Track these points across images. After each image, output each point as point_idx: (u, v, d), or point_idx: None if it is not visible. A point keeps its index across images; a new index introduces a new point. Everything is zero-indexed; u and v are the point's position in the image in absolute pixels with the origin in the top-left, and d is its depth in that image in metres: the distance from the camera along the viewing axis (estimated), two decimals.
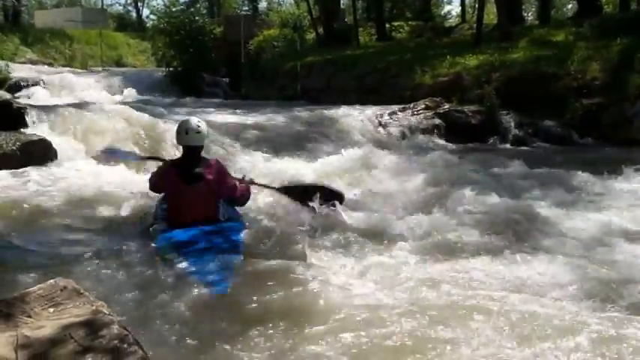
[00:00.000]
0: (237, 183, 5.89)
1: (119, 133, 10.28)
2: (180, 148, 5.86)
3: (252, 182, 6.31)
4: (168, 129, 10.25)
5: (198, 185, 5.56)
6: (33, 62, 26.66)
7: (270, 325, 3.83)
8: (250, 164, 9.58)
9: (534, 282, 4.64)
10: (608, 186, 7.93)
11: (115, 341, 2.41)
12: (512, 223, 6.12)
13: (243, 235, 5.52)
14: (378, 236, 5.77)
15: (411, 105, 13.99)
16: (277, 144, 11.09)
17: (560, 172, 8.69)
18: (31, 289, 2.60)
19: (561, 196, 7.37)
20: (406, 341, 3.63)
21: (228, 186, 5.73)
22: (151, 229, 5.69)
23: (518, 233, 5.85)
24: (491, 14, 28.66)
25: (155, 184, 5.83)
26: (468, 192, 7.13)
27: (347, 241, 5.62)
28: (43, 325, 2.42)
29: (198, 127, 5.64)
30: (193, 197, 5.54)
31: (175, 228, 5.41)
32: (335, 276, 4.71)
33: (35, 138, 9.50)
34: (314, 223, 6.03)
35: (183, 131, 5.64)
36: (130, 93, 21.53)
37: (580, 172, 8.48)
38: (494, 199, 6.97)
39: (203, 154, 5.86)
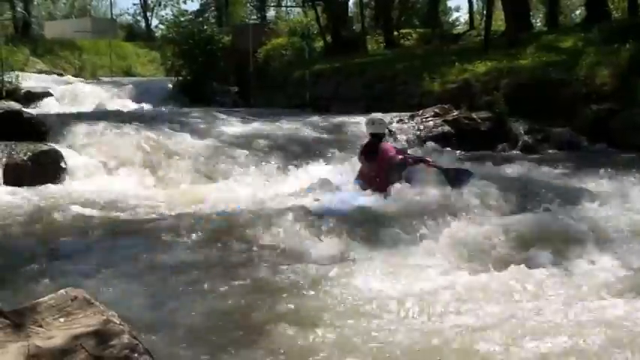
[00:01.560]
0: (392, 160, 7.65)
1: (128, 142, 10.37)
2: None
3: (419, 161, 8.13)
4: (175, 141, 10.39)
5: (373, 163, 7.79)
6: (43, 73, 26.80)
7: (282, 333, 3.83)
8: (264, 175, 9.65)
9: (559, 295, 4.53)
10: (623, 193, 7.76)
11: (126, 351, 2.41)
12: (532, 233, 6.00)
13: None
14: (394, 244, 5.74)
15: (420, 112, 13.95)
16: (287, 153, 11.06)
17: (574, 180, 8.59)
18: (42, 299, 2.60)
19: (578, 204, 7.12)
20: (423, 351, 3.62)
21: (382, 163, 7.64)
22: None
23: (539, 244, 5.65)
24: (499, 21, 28.63)
25: None
26: (480, 201, 7.08)
27: (363, 249, 5.61)
28: (54, 335, 2.43)
29: (374, 121, 8.22)
30: (370, 171, 7.80)
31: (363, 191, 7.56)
32: (351, 282, 4.70)
33: (46, 148, 9.56)
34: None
35: (366, 123, 8.33)
36: (139, 102, 21.61)
37: (594, 179, 8.41)
38: (511, 209, 6.88)
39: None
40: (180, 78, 24.01)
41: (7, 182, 8.77)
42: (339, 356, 3.58)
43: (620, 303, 4.25)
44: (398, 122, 13.60)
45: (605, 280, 4.71)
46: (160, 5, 48.99)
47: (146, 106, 20.45)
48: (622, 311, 4.08)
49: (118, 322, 2.54)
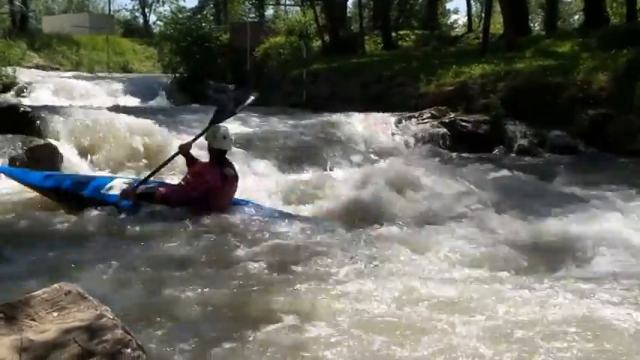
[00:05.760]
0: None
1: (123, 137, 10.35)
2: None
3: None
4: (169, 137, 10.40)
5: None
6: (40, 67, 26.76)
7: (275, 326, 3.83)
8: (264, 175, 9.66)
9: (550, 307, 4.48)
10: (618, 199, 7.70)
11: (119, 345, 2.41)
12: (523, 240, 6.00)
13: None
14: (383, 246, 5.74)
15: (417, 114, 13.98)
16: (285, 153, 11.10)
17: (569, 185, 8.57)
18: (35, 292, 2.60)
19: (572, 210, 7.06)
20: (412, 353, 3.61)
21: None
22: None
23: (530, 250, 5.66)
24: (497, 24, 28.64)
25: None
26: (475, 205, 7.09)
27: (353, 248, 5.61)
28: (47, 328, 2.42)
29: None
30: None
31: None
32: (343, 280, 4.70)
33: (41, 142, 9.52)
34: None
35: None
36: (136, 98, 21.61)
37: (589, 185, 8.42)
38: (504, 213, 6.86)
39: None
40: (177, 75, 23.98)
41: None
42: (331, 351, 3.57)
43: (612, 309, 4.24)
44: (395, 123, 13.63)
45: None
46: (158, 2, 49.06)
47: (142, 102, 20.44)
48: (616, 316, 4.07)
49: (111, 317, 2.54)
